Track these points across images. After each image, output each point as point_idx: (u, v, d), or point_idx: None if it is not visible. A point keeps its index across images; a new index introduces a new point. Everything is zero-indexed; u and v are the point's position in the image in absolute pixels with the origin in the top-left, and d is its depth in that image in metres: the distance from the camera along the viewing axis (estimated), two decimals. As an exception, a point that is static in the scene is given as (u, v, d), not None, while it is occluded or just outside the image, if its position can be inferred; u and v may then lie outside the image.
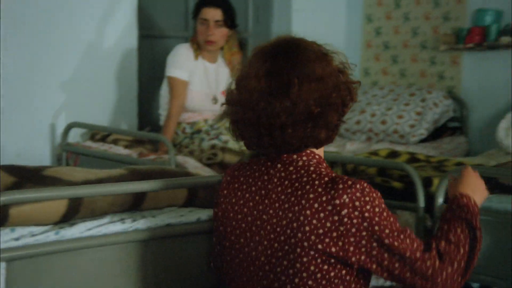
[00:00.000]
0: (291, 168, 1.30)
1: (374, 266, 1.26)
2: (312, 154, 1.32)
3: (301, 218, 1.24)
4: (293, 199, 1.27)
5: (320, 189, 1.25)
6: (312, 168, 1.30)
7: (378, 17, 4.33)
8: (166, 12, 3.84)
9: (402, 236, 1.26)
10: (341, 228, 1.23)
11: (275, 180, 1.30)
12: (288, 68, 1.27)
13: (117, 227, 1.34)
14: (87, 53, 3.30)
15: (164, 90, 3.17)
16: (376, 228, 1.24)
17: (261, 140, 1.30)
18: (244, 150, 2.90)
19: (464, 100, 3.91)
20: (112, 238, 1.33)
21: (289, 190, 1.28)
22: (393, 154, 2.35)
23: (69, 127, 3.06)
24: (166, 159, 2.65)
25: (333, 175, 1.29)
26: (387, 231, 1.25)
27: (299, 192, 1.26)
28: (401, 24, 4.21)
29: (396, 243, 1.25)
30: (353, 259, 1.25)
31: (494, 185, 1.83)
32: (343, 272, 1.27)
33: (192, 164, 2.71)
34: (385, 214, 1.26)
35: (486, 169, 1.94)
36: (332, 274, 1.27)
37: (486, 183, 1.86)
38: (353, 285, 1.29)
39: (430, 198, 1.89)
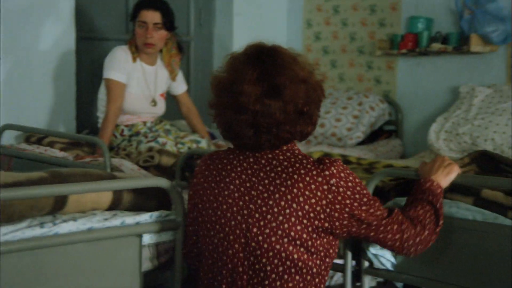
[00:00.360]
0: (277, 151, 1.50)
1: (354, 229, 1.49)
2: (293, 143, 1.54)
3: (295, 190, 1.43)
4: (284, 175, 1.45)
5: (309, 166, 1.46)
6: (297, 152, 1.52)
7: (318, 22, 4.43)
8: (106, 14, 3.81)
9: (376, 204, 1.51)
10: (330, 196, 1.45)
11: (263, 161, 1.49)
12: (276, 73, 1.46)
13: (36, 231, 1.33)
14: (22, 55, 3.25)
15: (101, 92, 3.14)
16: (357, 196, 1.48)
17: (259, 137, 1.46)
18: (182, 153, 2.91)
19: (399, 104, 4.04)
20: (29, 243, 1.31)
21: (279, 168, 1.47)
22: (326, 156, 2.40)
23: (2, 129, 3.00)
24: (102, 161, 2.64)
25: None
26: (365, 199, 1.49)
27: (290, 169, 1.46)
28: (340, 30, 4.32)
29: (372, 210, 1.50)
30: (337, 223, 1.46)
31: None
32: (324, 240, 1.48)
33: (128, 167, 2.71)
34: (362, 184, 1.52)
35: (395, 170, 1.99)
36: (318, 242, 1.47)
37: (405, 185, 1.95)
38: (331, 251, 1.50)
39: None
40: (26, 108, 3.28)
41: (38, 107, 3.34)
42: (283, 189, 1.44)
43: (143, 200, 1.53)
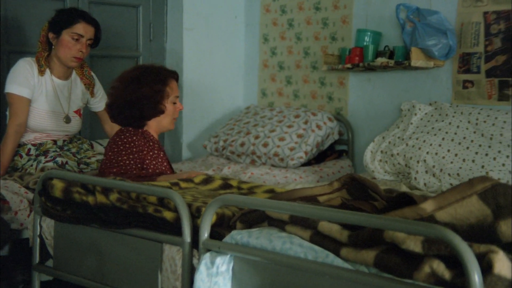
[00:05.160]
0: None
1: None
2: None
3: None
4: None
5: None
6: None
7: (274, 37, 4.21)
8: (39, 28, 3.67)
9: None
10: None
11: None
12: None
13: None
14: None
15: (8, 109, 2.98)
16: None
17: None
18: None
19: (350, 122, 3.78)
20: None
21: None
22: (207, 180, 2.18)
23: None
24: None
25: None
26: None
27: None
28: (294, 45, 4.10)
29: None
30: None
31: (263, 216, 1.66)
32: None
33: (13, 189, 2.52)
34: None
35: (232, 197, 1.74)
36: None
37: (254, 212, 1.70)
38: None
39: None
40: None
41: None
42: None
43: None
